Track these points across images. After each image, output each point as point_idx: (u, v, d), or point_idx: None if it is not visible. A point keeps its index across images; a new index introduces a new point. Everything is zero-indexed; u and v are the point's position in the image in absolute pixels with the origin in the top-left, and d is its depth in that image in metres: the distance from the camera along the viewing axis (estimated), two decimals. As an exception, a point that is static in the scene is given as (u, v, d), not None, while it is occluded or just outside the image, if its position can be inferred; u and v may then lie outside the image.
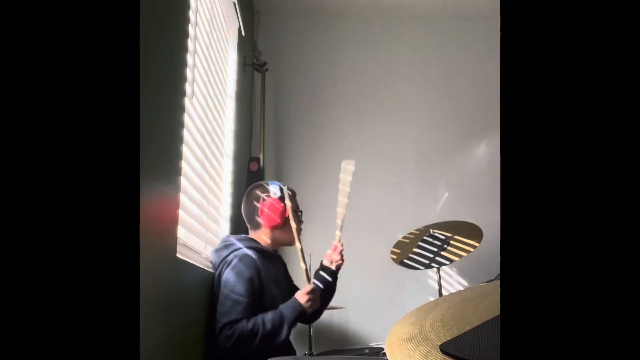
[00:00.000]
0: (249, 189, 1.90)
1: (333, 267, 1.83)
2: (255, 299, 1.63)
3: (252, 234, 1.85)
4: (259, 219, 1.81)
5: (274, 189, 1.81)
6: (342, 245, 1.83)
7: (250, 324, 1.56)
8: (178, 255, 1.33)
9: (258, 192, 1.83)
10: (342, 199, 1.80)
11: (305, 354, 1.82)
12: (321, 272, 1.83)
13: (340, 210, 1.80)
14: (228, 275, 1.63)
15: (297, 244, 1.71)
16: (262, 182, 1.89)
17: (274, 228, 1.81)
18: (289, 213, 1.72)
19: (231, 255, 1.68)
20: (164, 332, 1.21)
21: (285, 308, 1.64)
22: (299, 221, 1.85)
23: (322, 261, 1.86)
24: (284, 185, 1.84)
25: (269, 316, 1.60)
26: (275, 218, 1.79)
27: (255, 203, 1.82)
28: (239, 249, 1.71)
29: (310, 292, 1.66)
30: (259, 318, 1.58)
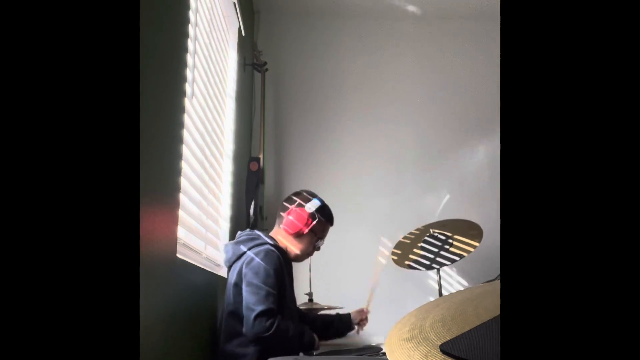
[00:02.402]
0: (300, 190, 1.90)
1: (356, 330, 1.99)
2: (279, 294, 1.66)
3: (273, 232, 1.86)
4: (283, 219, 1.82)
5: (313, 205, 1.81)
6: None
7: (285, 324, 1.60)
8: (178, 255, 1.33)
9: (303, 196, 1.84)
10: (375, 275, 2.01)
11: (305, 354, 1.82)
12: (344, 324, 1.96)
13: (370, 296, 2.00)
14: (257, 266, 1.63)
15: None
16: (313, 192, 1.88)
17: (288, 235, 1.81)
18: (310, 236, 1.80)
19: (252, 251, 1.69)
20: (165, 331, 1.21)
21: (307, 334, 1.70)
22: (314, 249, 1.88)
23: (351, 314, 2.00)
24: (328, 209, 1.85)
25: (299, 329, 1.65)
26: (297, 225, 1.78)
27: (294, 201, 1.83)
28: (263, 244, 1.72)
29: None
30: (290, 324, 1.62)
